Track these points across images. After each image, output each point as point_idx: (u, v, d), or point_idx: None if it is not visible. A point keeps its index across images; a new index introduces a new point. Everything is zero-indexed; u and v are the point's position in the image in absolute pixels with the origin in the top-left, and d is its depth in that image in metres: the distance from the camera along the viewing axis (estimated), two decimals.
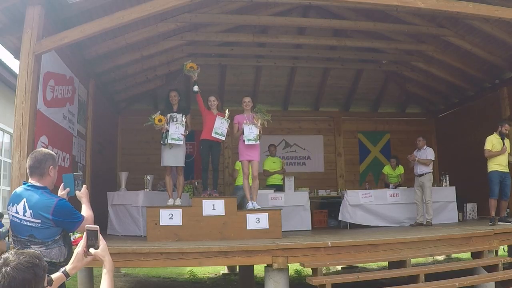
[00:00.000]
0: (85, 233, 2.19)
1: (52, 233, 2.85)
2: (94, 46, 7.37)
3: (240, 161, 7.13)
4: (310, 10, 9.61)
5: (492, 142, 7.49)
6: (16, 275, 1.50)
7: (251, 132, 6.69)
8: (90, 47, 7.35)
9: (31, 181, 2.92)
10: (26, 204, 2.82)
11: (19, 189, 2.93)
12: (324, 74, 11.38)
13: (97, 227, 2.19)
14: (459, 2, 6.00)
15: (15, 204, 2.85)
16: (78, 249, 2.19)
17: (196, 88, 6.79)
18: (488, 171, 7.48)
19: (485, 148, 7.50)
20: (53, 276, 2.14)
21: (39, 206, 2.81)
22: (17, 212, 2.84)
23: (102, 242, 2.15)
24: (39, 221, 2.80)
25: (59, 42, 5.39)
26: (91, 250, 2.14)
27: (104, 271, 2.09)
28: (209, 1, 7.64)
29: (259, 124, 6.71)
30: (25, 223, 2.81)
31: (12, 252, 1.60)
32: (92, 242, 2.15)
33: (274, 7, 8.73)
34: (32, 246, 2.79)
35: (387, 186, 9.64)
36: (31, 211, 2.80)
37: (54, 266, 2.60)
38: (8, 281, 1.48)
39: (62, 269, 2.25)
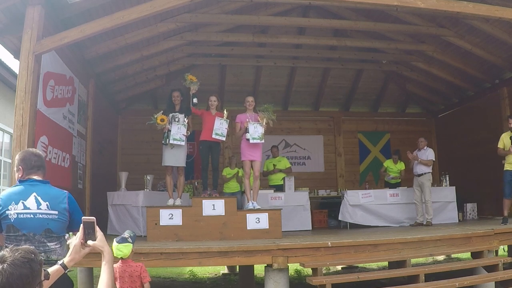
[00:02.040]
0: (81, 225, 2.14)
1: (64, 228, 2.88)
2: (94, 46, 7.37)
3: (242, 161, 7.11)
4: (310, 10, 9.61)
5: (503, 140, 7.21)
6: (13, 270, 1.51)
7: (256, 130, 6.67)
8: (90, 47, 7.36)
9: (34, 177, 2.89)
10: (38, 197, 2.78)
11: (21, 187, 2.84)
12: (324, 74, 11.39)
13: (93, 218, 2.15)
14: (459, 2, 6.00)
15: (21, 201, 2.76)
16: (75, 241, 2.16)
17: (195, 100, 6.81)
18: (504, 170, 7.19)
19: (498, 146, 7.26)
20: (50, 269, 2.13)
21: (55, 197, 2.85)
22: (27, 208, 2.75)
23: (99, 233, 2.13)
24: (56, 212, 2.81)
25: (59, 42, 5.39)
26: (89, 242, 2.11)
27: (104, 262, 2.08)
28: (209, 1, 7.65)
29: (264, 123, 6.71)
30: (40, 216, 2.76)
31: (8, 250, 1.61)
32: (89, 234, 2.12)
33: (274, 7, 8.74)
34: (48, 244, 2.76)
35: (383, 182, 9.61)
36: (47, 203, 2.79)
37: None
38: (6, 277, 1.50)
39: (59, 262, 2.21)
